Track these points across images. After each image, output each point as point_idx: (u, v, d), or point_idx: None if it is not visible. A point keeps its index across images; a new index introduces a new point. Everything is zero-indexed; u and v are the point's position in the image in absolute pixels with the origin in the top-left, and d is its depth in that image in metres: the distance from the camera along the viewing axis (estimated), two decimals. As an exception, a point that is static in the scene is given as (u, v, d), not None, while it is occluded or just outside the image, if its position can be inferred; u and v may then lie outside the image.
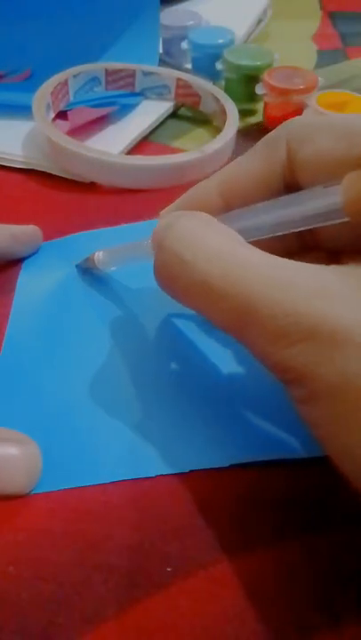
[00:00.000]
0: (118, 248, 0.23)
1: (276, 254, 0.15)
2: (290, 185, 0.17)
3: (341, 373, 0.12)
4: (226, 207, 0.18)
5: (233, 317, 0.14)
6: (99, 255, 0.24)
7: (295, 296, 0.13)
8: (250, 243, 0.15)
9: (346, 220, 0.14)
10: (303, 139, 0.16)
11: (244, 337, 0.14)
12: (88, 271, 0.25)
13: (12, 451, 0.17)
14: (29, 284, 0.25)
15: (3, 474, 0.17)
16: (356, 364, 0.12)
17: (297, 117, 0.18)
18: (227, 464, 0.18)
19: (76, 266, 0.25)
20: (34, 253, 0.27)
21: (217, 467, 0.18)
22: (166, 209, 0.21)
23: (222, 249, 0.15)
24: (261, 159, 0.18)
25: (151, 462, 0.18)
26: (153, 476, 0.18)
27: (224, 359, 0.21)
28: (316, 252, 0.19)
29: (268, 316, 0.13)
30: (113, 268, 0.24)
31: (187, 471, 0.18)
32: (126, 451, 0.19)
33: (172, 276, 0.15)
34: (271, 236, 0.16)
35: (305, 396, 0.13)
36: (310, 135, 0.16)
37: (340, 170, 0.15)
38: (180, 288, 0.15)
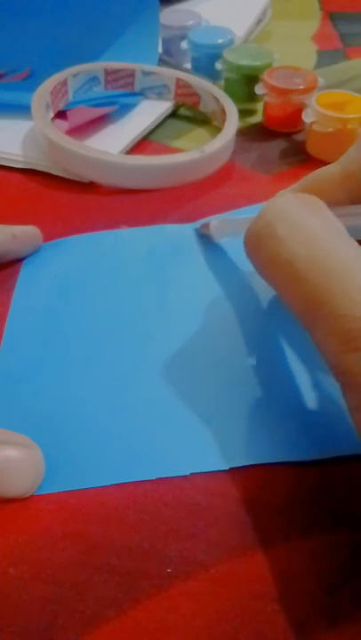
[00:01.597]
0: (232, 219, 0.23)
1: None
2: None
3: None
4: (348, 199, 0.18)
5: (307, 305, 0.14)
6: (214, 224, 0.24)
7: None
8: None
9: None
10: None
11: (311, 327, 0.14)
12: (204, 237, 0.25)
13: (14, 453, 0.17)
14: (29, 284, 0.25)
15: (6, 477, 0.17)
16: None
17: None
18: (226, 467, 0.18)
19: (195, 230, 0.26)
20: (34, 253, 0.27)
21: (217, 470, 0.18)
22: (286, 189, 0.20)
23: (318, 235, 0.14)
24: None
25: (152, 465, 0.18)
26: (153, 478, 0.18)
27: (224, 361, 0.21)
28: None
29: (340, 315, 0.13)
30: (225, 240, 0.25)
31: (187, 474, 0.18)
32: (127, 453, 0.19)
33: (261, 246, 0.15)
34: None
35: (358, 404, 0.13)
36: None
37: None
38: (264, 259, 0.15)
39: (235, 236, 0.23)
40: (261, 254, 0.15)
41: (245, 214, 0.28)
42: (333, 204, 0.16)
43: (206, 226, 0.24)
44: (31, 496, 0.18)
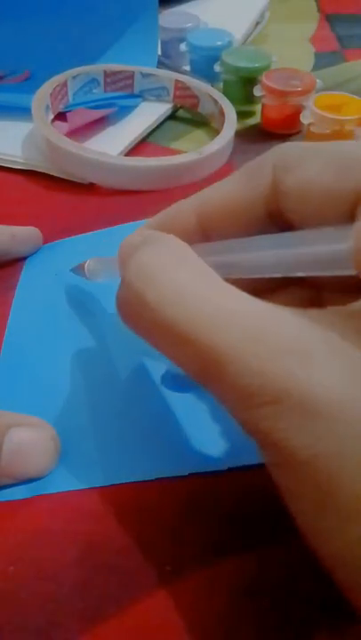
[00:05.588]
0: (104, 258, 0.21)
1: (253, 286, 0.13)
2: (273, 215, 0.16)
3: (310, 446, 0.11)
4: (202, 233, 0.17)
5: (199, 366, 0.13)
6: (89, 264, 0.22)
7: (265, 351, 0.12)
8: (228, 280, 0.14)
9: (352, 273, 0.12)
10: (290, 165, 0.15)
11: (210, 387, 0.13)
12: (81, 278, 0.24)
13: (28, 434, 0.18)
14: (30, 284, 0.25)
15: (22, 457, 0.17)
16: (328, 442, 0.11)
17: (286, 143, 0.16)
18: (225, 467, 0.18)
19: (71, 270, 0.24)
20: (35, 254, 0.27)
21: (216, 470, 0.18)
22: (139, 228, 0.19)
23: (191, 289, 0.13)
24: (244, 185, 0.16)
25: (151, 465, 0.18)
26: (153, 479, 0.18)
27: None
28: (298, 286, 0.17)
29: (235, 372, 0.12)
30: (100, 280, 0.23)
31: (186, 474, 0.18)
32: (126, 454, 0.19)
33: (134, 315, 0.14)
34: (256, 277, 0.14)
35: (275, 460, 0.12)
36: (298, 162, 0.15)
37: (331, 201, 0.14)
38: (142, 329, 0.14)
39: (111, 277, 0.21)
40: (137, 324, 0.14)
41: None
42: (189, 240, 0.15)
43: (81, 267, 0.22)
44: (32, 495, 0.18)
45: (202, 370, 0.13)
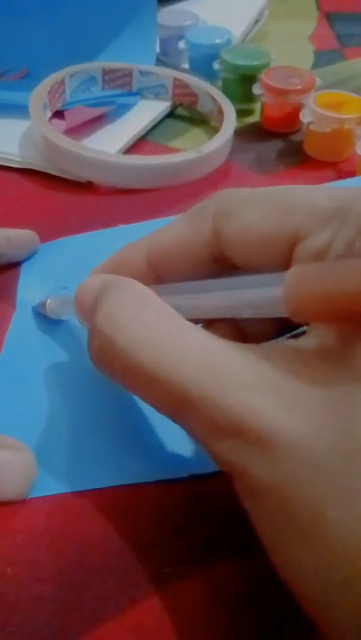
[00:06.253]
0: (63, 298, 0.21)
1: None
2: (217, 258, 0.16)
3: (272, 476, 0.12)
4: (153, 274, 0.18)
5: (167, 404, 0.14)
6: (49, 303, 0.22)
7: (226, 385, 0.12)
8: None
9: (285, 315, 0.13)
10: (230, 212, 0.16)
11: (181, 423, 0.14)
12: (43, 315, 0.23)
13: (5, 457, 0.17)
14: (29, 285, 0.25)
15: None
16: (285, 472, 0.11)
17: (226, 190, 0.17)
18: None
19: (33, 308, 0.23)
20: (31, 256, 0.26)
21: (215, 472, 0.18)
22: (94, 268, 0.19)
23: (156, 331, 0.14)
24: (189, 229, 0.17)
25: (150, 467, 0.18)
26: (152, 481, 0.18)
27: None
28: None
29: (200, 407, 0.12)
30: (63, 318, 0.22)
31: (185, 476, 0.18)
32: (125, 456, 0.19)
33: (106, 362, 0.15)
34: (209, 318, 0.16)
35: (240, 489, 0.13)
36: (237, 209, 0.16)
37: (269, 246, 0.15)
38: (115, 374, 0.15)
39: (72, 316, 0.21)
40: (111, 369, 0.15)
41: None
42: (141, 282, 0.16)
43: (43, 305, 0.22)
44: (29, 497, 0.18)
45: (172, 407, 0.13)
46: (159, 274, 0.17)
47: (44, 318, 0.23)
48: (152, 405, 0.14)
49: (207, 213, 0.16)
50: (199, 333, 0.14)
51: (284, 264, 0.15)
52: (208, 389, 0.12)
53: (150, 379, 0.13)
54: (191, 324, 0.14)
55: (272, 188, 0.16)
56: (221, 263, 0.16)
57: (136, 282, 0.16)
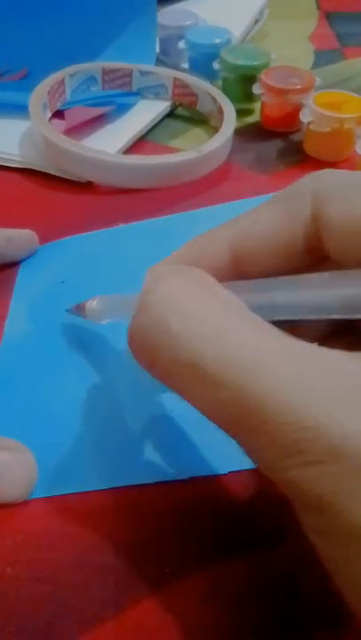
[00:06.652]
0: (112, 297, 0.20)
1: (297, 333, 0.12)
2: (314, 248, 0.14)
3: None
4: (234, 269, 0.15)
5: (229, 414, 0.11)
6: (93, 304, 0.20)
7: (318, 402, 0.10)
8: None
9: None
10: (334, 195, 0.13)
11: (243, 439, 0.11)
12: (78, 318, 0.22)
13: (6, 458, 0.17)
14: (27, 286, 0.25)
15: None
16: None
17: (326, 170, 0.14)
18: (225, 471, 0.18)
19: (66, 310, 0.22)
20: (31, 256, 0.26)
21: (216, 474, 0.18)
22: (163, 260, 0.16)
23: (224, 323, 0.11)
24: (283, 215, 0.14)
25: (151, 469, 0.18)
26: (152, 482, 0.18)
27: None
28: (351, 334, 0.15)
29: (278, 424, 0.10)
30: (104, 322, 0.20)
31: (186, 478, 0.18)
32: (126, 457, 0.19)
33: (152, 347, 0.12)
34: (296, 318, 0.13)
35: (320, 527, 0.11)
36: (343, 191, 0.13)
37: None
38: (160, 364, 0.12)
39: (119, 318, 0.19)
40: (154, 357, 0.12)
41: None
42: (219, 276, 0.14)
43: (81, 308, 0.20)
44: (30, 498, 0.18)
45: (234, 417, 0.11)
46: (244, 268, 0.15)
47: (41, 315, 0.23)
48: (201, 409, 0.12)
49: (305, 196, 0.14)
50: (279, 336, 0.11)
51: None
52: (293, 404, 0.10)
53: (210, 379, 0.11)
54: (267, 323, 0.12)
55: None
56: (317, 255, 0.14)
57: (204, 272, 0.14)
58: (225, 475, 0.18)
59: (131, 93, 0.37)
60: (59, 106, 0.35)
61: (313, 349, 0.11)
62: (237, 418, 0.11)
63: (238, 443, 0.12)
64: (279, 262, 0.14)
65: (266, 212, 0.15)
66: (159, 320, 0.12)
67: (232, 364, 0.11)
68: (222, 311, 0.12)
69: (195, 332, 0.11)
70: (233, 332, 0.11)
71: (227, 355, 0.11)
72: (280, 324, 0.12)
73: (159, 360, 0.12)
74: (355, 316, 0.12)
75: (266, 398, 0.10)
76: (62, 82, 0.35)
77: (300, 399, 0.10)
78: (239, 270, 0.15)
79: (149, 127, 0.36)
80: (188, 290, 0.12)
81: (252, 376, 0.11)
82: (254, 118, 0.37)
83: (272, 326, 0.12)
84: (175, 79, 0.37)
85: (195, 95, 0.36)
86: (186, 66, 0.40)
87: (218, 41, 0.39)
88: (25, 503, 0.17)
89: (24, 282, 0.25)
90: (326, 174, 0.14)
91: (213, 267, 0.15)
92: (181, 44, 0.40)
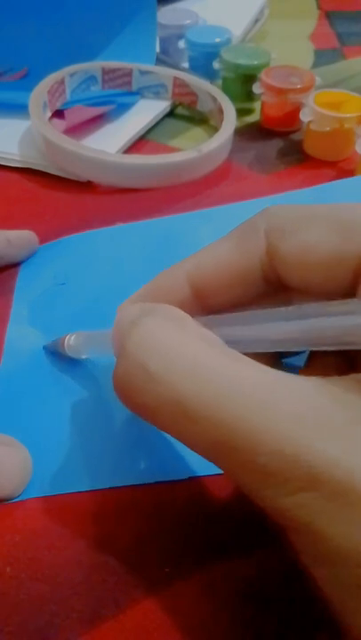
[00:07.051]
0: (91, 334, 0.20)
1: (270, 361, 0.12)
2: (270, 280, 0.15)
3: (355, 540, 0.10)
4: (196, 301, 0.16)
5: (212, 447, 0.11)
6: (71, 339, 0.20)
7: (296, 431, 0.10)
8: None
9: None
10: (285, 229, 0.14)
11: (227, 470, 0.12)
12: (57, 354, 0.21)
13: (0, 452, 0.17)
14: (27, 287, 0.25)
15: None
16: None
17: (276, 206, 0.15)
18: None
19: (44, 347, 0.22)
20: (31, 257, 0.26)
21: (215, 474, 0.18)
22: (128, 299, 0.17)
23: (199, 359, 0.12)
24: (237, 249, 0.15)
25: (151, 469, 0.18)
26: (152, 482, 0.18)
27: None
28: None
29: (256, 454, 0.10)
30: (83, 357, 0.21)
31: (186, 478, 0.18)
32: (126, 457, 0.19)
33: (134, 391, 0.13)
34: (265, 351, 0.13)
35: (307, 550, 0.11)
36: (294, 226, 0.14)
37: (333, 269, 0.13)
38: (144, 405, 0.13)
39: (98, 353, 0.20)
40: (139, 400, 0.12)
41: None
42: (184, 309, 0.14)
43: (58, 343, 0.20)
44: (29, 497, 0.18)
45: (216, 450, 0.11)
46: (204, 302, 0.16)
47: (42, 315, 0.23)
48: (188, 445, 0.12)
49: (258, 231, 0.15)
50: (254, 366, 0.12)
51: (349, 287, 0.13)
52: (272, 433, 0.10)
53: (190, 415, 0.11)
54: (240, 354, 0.12)
55: (330, 206, 0.14)
56: (273, 285, 0.15)
57: (175, 307, 0.14)
58: (224, 475, 0.18)
59: (131, 93, 0.37)
60: (59, 105, 0.35)
61: (288, 378, 0.11)
62: (218, 450, 0.11)
63: (223, 471, 0.12)
64: (238, 293, 0.15)
65: (221, 247, 0.16)
66: (139, 364, 0.12)
67: (209, 398, 0.11)
68: (198, 347, 0.12)
69: (173, 371, 0.12)
70: (209, 367, 0.12)
71: (203, 389, 0.11)
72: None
73: (144, 403, 0.12)
74: (317, 348, 0.12)
75: (244, 430, 0.11)
76: (62, 81, 0.35)
77: (280, 428, 0.10)
78: (201, 303, 0.16)
79: (149, 127, 0.36)
80: (162, 330, 0.13)
81: (229, 409, 0.11)
82: (254, 118, 0.37)
83: (245, 357, 0.12)
84: (175, 78, 0.36)
85: (195, 95, 0.36)
86: (186, 65, 0.40)
87: (218, 40, 0.39)
88: (25, 502, 0.17)
89: (24, 283, 0.25)
90: (277, 209, 0.15)
91: (177, 301, 0.15)
92: (181, 44, 0.40)
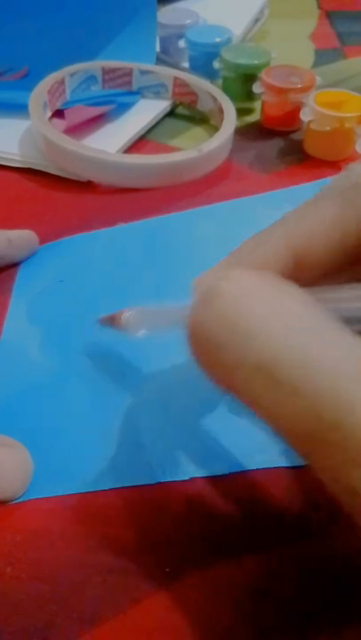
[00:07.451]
0: (152, 310, 0.18)
1: None
2: None
3: None
4: (296, 270, 0.14)
5: (306, 425, 0.10)
6: (127, 316, 0.18)
7: None
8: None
9: None
10: None
11: (318, 453, 0.10)
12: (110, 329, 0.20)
13: (0, 453, 0.17)
14: (27, 287, 0.25)
15: None
16: None
17: None
18: (226, 472, 0.18)
19: (98, 321, 0.20)
20: (30, 257, 0.26)
21: (217, 475, 0.18)
22: (211, 269, 0.15)
23: (303, 323, 0.10)
24: (340, 212, 0.14)
25: (153, 470, 0.18)
26: (154, 483, 0.18)
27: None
28: None
29: None
30: (140, 334, 0.19)
31: (187, 479, 0.18)
32: (127, 458, 0.19)
33: (216, 344, 0.11)
34: None
35: None
36: None
37: None
38: (224, 365, 0.11)
39: (158, 330, 0.18)
40: (218, 356, 0.11)
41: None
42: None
43: (114, 318, 0.19)
44: (29, 498, 0.18)
45: (311, 430, 0.10)
46: (305, 269, 0.14)
47: (40, 314, 0.23)
48: (271, 419, 0.11)
49: (359, 190, 0.13)
50: None
51: None
52: None
53: (287, 387, 0.10)
54: (351, 334, 0.11)
55: None
56: None
57: (273, 274, 0.12)
58: (226, 475, 0.18)
59: (131, 92, 0.37)
60: (59, 105, 0.35)
61: None
62: (315, 430, 0.10)
63: (308, 455, 0.10)
64: (340, 260, 0.14)
65: (322, 209, 0.14)
66: (228, 315, 0.11)
67: (312, 371, 0.10)
68: (300, 313, 0.11)
69: (269, 333, 0.10)
70: (313, 337, 0.10)
71: (307, 361, 0.10)
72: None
73: (224, 360, 0.11)
74: None
75: (350, 412, 0.09)
76: (62, 81, 0.35)
77: None
78: (300, 272, 0.14)
79: (150, 126, 0.36)
80: (261, 287, 0.11)
81: (334, 387, 0.10)
82: (255, 117, 0.37)
83: (356, 336, 0.11)
84: (175, 78, 0.36)
85: (195, 94, 0.36)
86: (186, 65, 0.40)
87: (218, 40, 0.39)
88: (25, 503, 0.17)
89: (24, 282, 0.25)
90: None
91: (275, 270, 0.13)
92: (182, 43, 0.40)
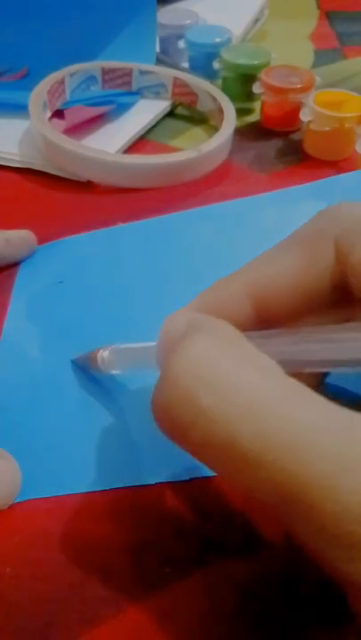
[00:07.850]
0: (127, 347, 0.18)
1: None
2: (338, 290, 0.14)
3: None
4: (255, 315, 0.14)
5: (272, 495, 0.10)
6: (102, 355, 0.19)
7: None
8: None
9: None
10: (358, 237, 0.13)
11: (287, 521, 0.10)
12: (86, 369, 0.20)
13: None
14: (26, 287, 0.25)
15: None
16: None
17: (345, 206, 0.14)
18: None
19: (72, 361, 0.21)
20: (29, 257, 0.26)
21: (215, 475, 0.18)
22: (179, 311, 0.15)
23: (259, 394, 0.10)
24: (305, 259, 0.14)
25: (151, 471, 0.18)
26: (153, 483, 0.18)
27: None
28: None
29: (328, 513, 0.09)
30: (116, 372, 0.19)
31: (188, 479, 0.18)
32: (126, 459, 0.19)
33: (181, 425, 0.11)
34: (328, 370, 0.12)
35: None
36: None
37: None
38: (191, 442, 0.11)
39: (134, 369, 0.19)
40: (185, 435, 0.11)
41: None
42: (241, 327, 0.13)
43: (90, 358, 0.19)
44: (29, 498, 0.18)
45: (278, 500, 0.10)
46: (263, 316, 0.15)
47: (40, 315, 0.23)
48: (243, 489, 0.11)
49: (327, 239, 0.14)
50: (322, 405, 0.10)
51: None
52: (345, 489, 0.09)
53: (250, 459, 0.10)
54: (308, 390, 0.11)
55: None
56: (340, 295, 0.14)
57: (229, 325, 0.13)
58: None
59: (131, 93, 0.37)
60: (58, 105, 0.35)
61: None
62: (281, 500, 0.10)
63: (282, 522, 0.11)
64: (304, 308, 0.14)
65: (285, 258, 0.14)
66: (188, 394, 0.11)
67: (272, 442, 0.10)
68: (256, 379, 0.11)
69: (228, 408, 0.10)
70: (270, 405, 0.10)
71: (266, 432, 0.10)
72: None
73: (190, 438, 0.11)
74: None
75: (312, 483, 0.09)
76: (62, 81, 0.35)
77: (352, 485, 0.09)
78: (260, 317, 0.14)
79: (149, 127, 0.36)
80: (215, 355, 0.11)
81: (294, 456, 0.10)
82: (254, 117, 0.37)
83: (313, 393, 0.11)
84: (175, 78, 0.36)
85: (195, 94, 0.36)
86: (186, 65, 0.40)
87: (218, 40, 0.39)
88: (24, 503, 0.17)
89: (23, 282, 0.25)
90: (344, 213, 0.14)
91: (235, 316, 0.14)
92: (181, 44, 0.40)
